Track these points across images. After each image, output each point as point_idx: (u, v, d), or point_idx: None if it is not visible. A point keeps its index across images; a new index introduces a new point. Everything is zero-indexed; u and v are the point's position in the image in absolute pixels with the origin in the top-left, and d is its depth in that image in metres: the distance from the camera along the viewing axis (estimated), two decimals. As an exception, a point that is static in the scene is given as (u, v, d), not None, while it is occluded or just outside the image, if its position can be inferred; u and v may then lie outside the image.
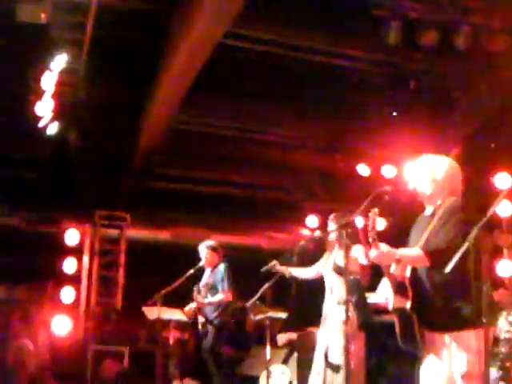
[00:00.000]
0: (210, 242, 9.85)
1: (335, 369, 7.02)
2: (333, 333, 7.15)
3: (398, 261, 4.57)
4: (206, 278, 9.72)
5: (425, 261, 4.49)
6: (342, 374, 6.88)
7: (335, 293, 7.37)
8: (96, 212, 13.19)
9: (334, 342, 7.09)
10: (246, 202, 14.27)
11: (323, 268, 7.69)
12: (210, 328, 9.48)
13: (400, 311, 4.60)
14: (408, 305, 4.54)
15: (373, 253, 4.63)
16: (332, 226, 7.52)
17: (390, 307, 4.68)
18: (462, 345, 4.41)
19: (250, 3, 7.98)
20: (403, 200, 5.03)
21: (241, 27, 9.29)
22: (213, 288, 9.52)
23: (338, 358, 7.01)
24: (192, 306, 9.68)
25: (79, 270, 12.83)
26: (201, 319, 9.56)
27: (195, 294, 9.63)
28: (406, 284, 4.60)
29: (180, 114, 11.20)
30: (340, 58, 10.22)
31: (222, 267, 9.59)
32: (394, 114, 11.27)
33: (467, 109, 11.40)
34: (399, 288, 4.62)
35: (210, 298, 9.47)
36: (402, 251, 4.63)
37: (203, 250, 9.68)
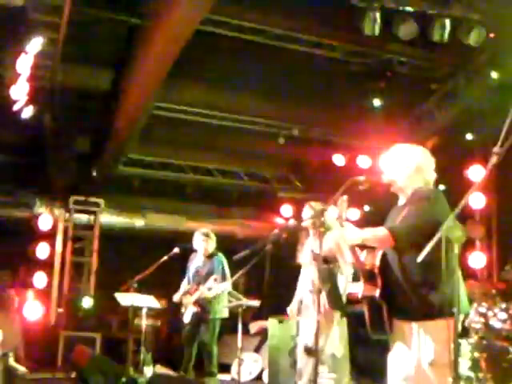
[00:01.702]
0: (205, 230, 9.79)
1: (313, 354, 7.03)
2: (309, 320, 7.16)
3: (364, 239, 4.59)
4: (199, 265, 9.63)
5: (389, 239, 4.50)
6: (324, 359, 6.90)
7: (314, 281, 7.37)
8: (70, 197, 13.13)
9: (310, 329, 7.10)
10: (221, 190, 14.29)
11: (302, 257, 7.69)
12: (204, 320, 9.37)
13: (369, 299, 4.62)
14: (377, 293, 4.55)
15: (336, 232, 4.65)
16: (307, 214, 7.52)
17: (360, 295, 4.69)
18: (430, 334, 4.43)
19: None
20: (378, 190, 5.03)
21: (219, 14, 9.27)
22: (209, 276, 9.43)
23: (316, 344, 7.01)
24: (176, 298, 9.64)
25: (52, 256, 12.78)
26: (193, 309, 9.45)
27: (187, 285, 9.61)
28: (376, 272, 4.62)
29: (156, 100, 11.16)
30: (317, 47, 10.21)
31: (220, 256, 9.49)
32: (377, 103, 11.27)
33: (443, 100, 11.45)
34: (369, 276, 4.63)
35: (214, 289, 9.34)
36: (367, 229, 4.65)
37: (200, 237, 9.61)
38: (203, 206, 14.22)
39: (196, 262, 9.68)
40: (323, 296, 6.80)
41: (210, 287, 9.28)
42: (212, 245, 9.64)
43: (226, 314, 9.47)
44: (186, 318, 9.46)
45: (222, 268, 9.42)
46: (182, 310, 9.55)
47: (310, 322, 7.22)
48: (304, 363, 7.18)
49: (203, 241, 9.57)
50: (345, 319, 7.19)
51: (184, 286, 9.71)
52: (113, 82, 11.11)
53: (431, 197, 4.64)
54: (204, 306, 9.36)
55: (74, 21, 9.07)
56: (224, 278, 9.36)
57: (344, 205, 4.66)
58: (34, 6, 8.70)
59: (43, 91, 10.46)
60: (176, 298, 9.62)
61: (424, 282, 4.46)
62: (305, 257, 7.58)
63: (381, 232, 4.58)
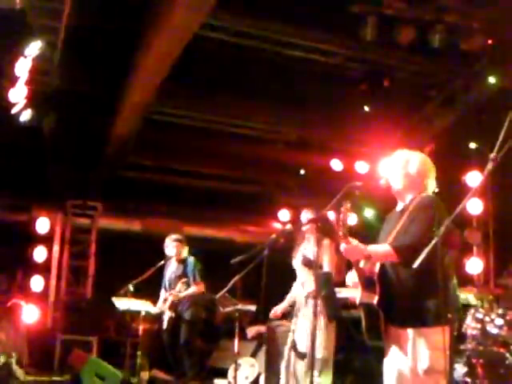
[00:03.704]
0: (177, 236, 9.87)
1: (301, 357, 7.08)
2: (302, 324, 7.18)
3: (368, 257, 4.55)
4: (173, 271, 9.74)
5: (393, 256, 4.49)
6: (306, 361, 6.94)
7: (306, 287, 7.40)
8: (68, 201, 13.13)
9: (301, 332, 7.13)
10: (218, 195, 14.28)
11: (294, 262, 7.71)
12: (182, 323, 9.48)
13: (367, 306, 4.61)
14: (375, 300, 4.54)
15: (343, 247, 4.63)
16: (304, 219, 7.54)
17: (358, 302, 4.68)
18: (426, 341, 4.43)
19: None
20: (375, 196, 5.03)
21: (218, 19, 9.28)
22: (183, 279, 9.53)
23: (303, 347, 7.06)
24: (160, 303, 9.72)
25: (49, 259, 12.76)
26: (168, 314, 9.53)
27: (166, 290, 9.68)
28: (375, 279, 4.61)
29: (155, 105, 11.16)
30: (316, 52, 10.22)
31: (191, 259, 9.64)
32: (366, 109, 11.29)
33: (441, 106, 11.47)
34: (368, 283, 4.62)
35: (185, 292, 9.48)
36: (371, 247, 4.62)
37: (172, 243, 9.71)
38: (201, 211, 14.22)
39: (171, 268, 9.78)
40: (319, 301, 6.81)
41: (180, 290, 9.48)
42: (184, 249, 9.76)
43: (203, 315, 9.75)
44: (164, 324, 9.56)
45: (194, 271, 9.52)
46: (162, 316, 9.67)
47: (301, 326, 7.24)
48: (295, 366, 7.21)
49: (175, 246, 9.68)
50: (333, 324, 7.21)
51: (162, 293, 9.81)
52: (112, 85, 11.11)
53: (433, 205, 4.63)
54: (179, 309, 9.51)
55: (72, 25, 9.09)
56: (195, 281, 9.54)
57: (347, 212, 4.65)
58: (33, 10, 8.72)
59: (42, 95, 10.47)
60: (156, 309, 9.72)
61: (420, 289, 4.45)
62: (297, 261, 7.61)
63: (384, 249, 4.57)
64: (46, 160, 12.68)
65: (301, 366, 7.08)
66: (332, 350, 7.18)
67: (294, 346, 7.23)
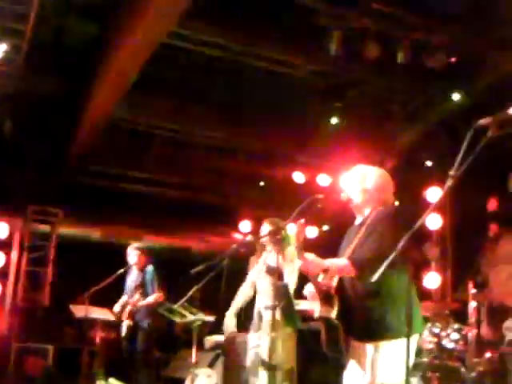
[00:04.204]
0: (139, 244, 9.96)
1: (272, 369, 7.08)
2: (264, 335, 7.19)
3: (326, 270, 4.55)
4: (133, 279, 9.77)
5: (351, 270, 4.48)
6: (279, 373, 6.96)
7: (268, 296, 7.41)
8: (28, 206, 13.01)
9: (266, 344, 7.13)
10: (179, 204, 14.25)
11: (255, 272, 7.73)
12: (139, 332, 9.49)
13: (326, 320, 4.61)
14: (333, 314, 4.55)
15: (299, 262, 4.63)
16: (265, 230, 7.57)
17: (316, 315, 4.68)
18: (384, 355, 4.44)
19: (195, 5, 7.99)
20: (336, 209, 5.05)
21: (185, 28, 9.28)
22: (141, 288, 9.56)
23: (272, 359, 7.07)
24: (116, 309, 9.72)
25: (7, 265, 12.62)
26: (126, 322, 9.53)
27: (126, 298, 9.68)
28: (332, 293, 4.61)
29: (118, 112, 11.12)
30: (281, 65, 10.26)
31: (150, 268, 9.70)
32: (334, 121, 11.32)
33: (404, 122, 11.58)
34: (325, 297, 4.62)
35: (142, 300, 9.50)
36: (329, 261, 4.61)
37: (133, 251, 9.78)
38: (162, 220, 14.18)
39: (131, 277, 9.85)
40: (278, 312, 6.83)
41: (139, 299, 9.54)
42: (143, 258, 9.86)
43: (161, 324, 9.84)
44: (123, 332, 9.58)
45: (153, 280, 9.62)
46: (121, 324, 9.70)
47: (265, 337, 7.25)
48: (260, 378, 7.21)
49: (136, 255, 9.77)
50: (294, 334, 7.25)
51: (122, 300, 9.84)
52: (76, 92, 11.05)
53: (391, 216, 4.66)
54: (137, 317, 9.56)
55: (39, 28, 9.04)
56: (153, 290, 9.58)
57: (303, 226, 4.64)
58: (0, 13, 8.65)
59: (5, 98, 10.39)
60: (113, 317, 9.73)
61: (378, 303, 4.47)
62: (259, 271, 7.63)
63: (342, 263, 4.55)
64: (7, 164, 12.55)
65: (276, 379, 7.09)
66: (295, 361, 7.21)
67: (262, 360, 7.22)
